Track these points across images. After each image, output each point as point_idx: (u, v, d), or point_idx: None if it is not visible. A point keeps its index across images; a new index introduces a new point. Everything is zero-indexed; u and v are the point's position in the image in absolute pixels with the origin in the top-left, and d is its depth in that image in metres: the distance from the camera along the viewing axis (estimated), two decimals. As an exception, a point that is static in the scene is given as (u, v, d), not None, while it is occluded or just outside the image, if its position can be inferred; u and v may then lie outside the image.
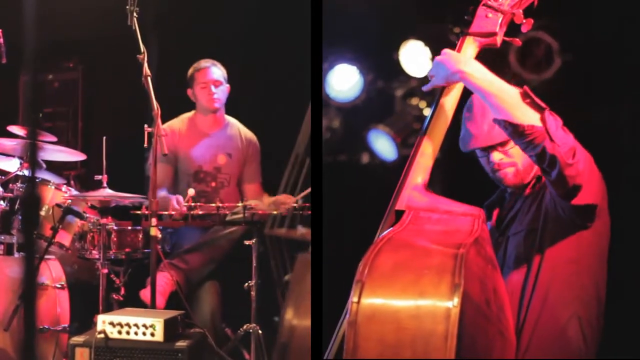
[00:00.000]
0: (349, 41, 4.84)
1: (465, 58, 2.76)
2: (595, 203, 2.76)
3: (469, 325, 2.20)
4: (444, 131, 2.77)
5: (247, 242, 4.32)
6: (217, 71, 5.06)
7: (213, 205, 4.44)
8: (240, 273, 4.39)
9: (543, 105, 2.62)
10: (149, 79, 4.28)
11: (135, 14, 4.27)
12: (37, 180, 4.73)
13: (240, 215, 4.37)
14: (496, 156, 3.01)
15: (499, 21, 2.79)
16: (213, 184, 5.08)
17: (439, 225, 2.51)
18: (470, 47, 2.81)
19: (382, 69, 4.94)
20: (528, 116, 2.60)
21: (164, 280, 4.45)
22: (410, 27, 4.70)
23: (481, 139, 2.96)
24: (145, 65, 4.28)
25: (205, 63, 5.08)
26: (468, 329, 2.19)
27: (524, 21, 2.78)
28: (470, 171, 3.23)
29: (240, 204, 4.38)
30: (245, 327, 4.31)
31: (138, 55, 4.27)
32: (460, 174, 3.22)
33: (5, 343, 4.29)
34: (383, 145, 4.96)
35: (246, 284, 4.31)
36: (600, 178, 2.81)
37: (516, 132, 2.61)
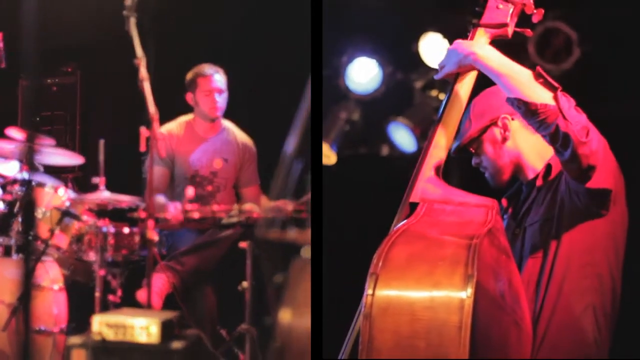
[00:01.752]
0: (368, 34, 4.87)
1: (478, 42, 2.78)
2: (610, 188, 2.72)
3: (482, 316, 2.19)
4: (458, 120, 2.77)
5: (241, 245, 4.30)
6: (221, 79, 5.05)
7: (209, 208, 4.46)
8: (236, 275, 4.39)
9: (556, 84, 2.62)
10: (145, 82, 4.28)
11: (132, 19, 4.28)
12: (33, 183, 4.76)
13: (236, 219, 4.39)
14: (474, 161, 3.08)
15: (510, 12, 2.79)
16: (209, 188, 5.08)
17: (453, 217, 2.49)
18: (481, 38, 2.82)
19: (402, 61, 4.96)
20: (541, 95, 2.60)
21: (161, 282, 4.45)
22: (430, 19, 4.74)
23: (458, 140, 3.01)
24: (142, 69, 4.27)
25: (209, 70, 5.05)
26: (482, 319, 2.19)
27: (535, 11, 2.78)
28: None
29: (235, 207, 4.40)
30: (239, 328, 4.30)
31: (135, 60, 4.27)
32: (467, 167, 3.17)
33: (4, 343, 4.29)
34: (403, 137, 4.97)
35: (240, 285, 4.29)
36: (616, 165, 2.77)
37: (529, 110, 2.60)
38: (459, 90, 2.78)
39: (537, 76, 2.63)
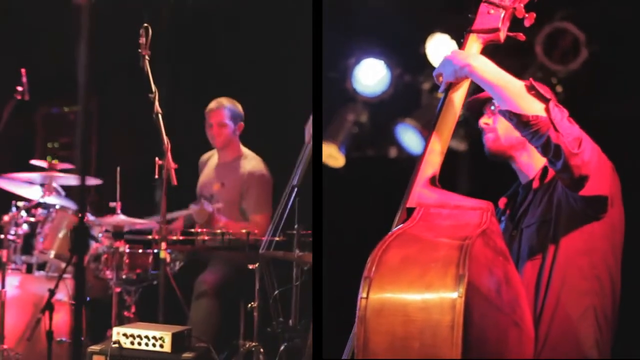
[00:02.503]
0: (375, 35, 4.80)
1: (472, 53, 2.78)
2: (605, 194, 2.72)
3: (477, 316, 2.19)
4: (453, 126, 2.76)
5: (250, 267, 4.40)
6: (226, 112, 5.25)
7: (218, 231, 4.71)
8: (244, 292, 4.58)
9: (548, 96, 2.63)
10: (159, 115, 4.57)
11: (147, 57, 4.57)
12: (56, 206, 5.09)
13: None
14: (484, 120, 3.05)
15: (501, 17, 2.79)
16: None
17: (448, 220, 2.47)
18: (474, 44, 2.81)
19: (409, 62, 4.87)
20: (533, 107, 2.60)
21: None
22: (437, 20, 4.65)
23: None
24: (156, 103, 4.53)
25: (214, 104, 5.27)
26: (476, 319, 2.19)
27: (526, 15, 2.78)
28: (483, 167, 3.20)
29: (244, 231, 4.59)
30: (247, 345, 4.43)
31: (149, 94, 4.56)
32: (472, 170, 3.17)
33: (28, 351, 4.57)
34: (410, 138, 4.91)
35: (249, 304, 4.40)
36: (611, 171, 2.77)
37: (521, 122, 2.61)
38: (453, 97, 2.79)
39: (530, 88, 2.64)
